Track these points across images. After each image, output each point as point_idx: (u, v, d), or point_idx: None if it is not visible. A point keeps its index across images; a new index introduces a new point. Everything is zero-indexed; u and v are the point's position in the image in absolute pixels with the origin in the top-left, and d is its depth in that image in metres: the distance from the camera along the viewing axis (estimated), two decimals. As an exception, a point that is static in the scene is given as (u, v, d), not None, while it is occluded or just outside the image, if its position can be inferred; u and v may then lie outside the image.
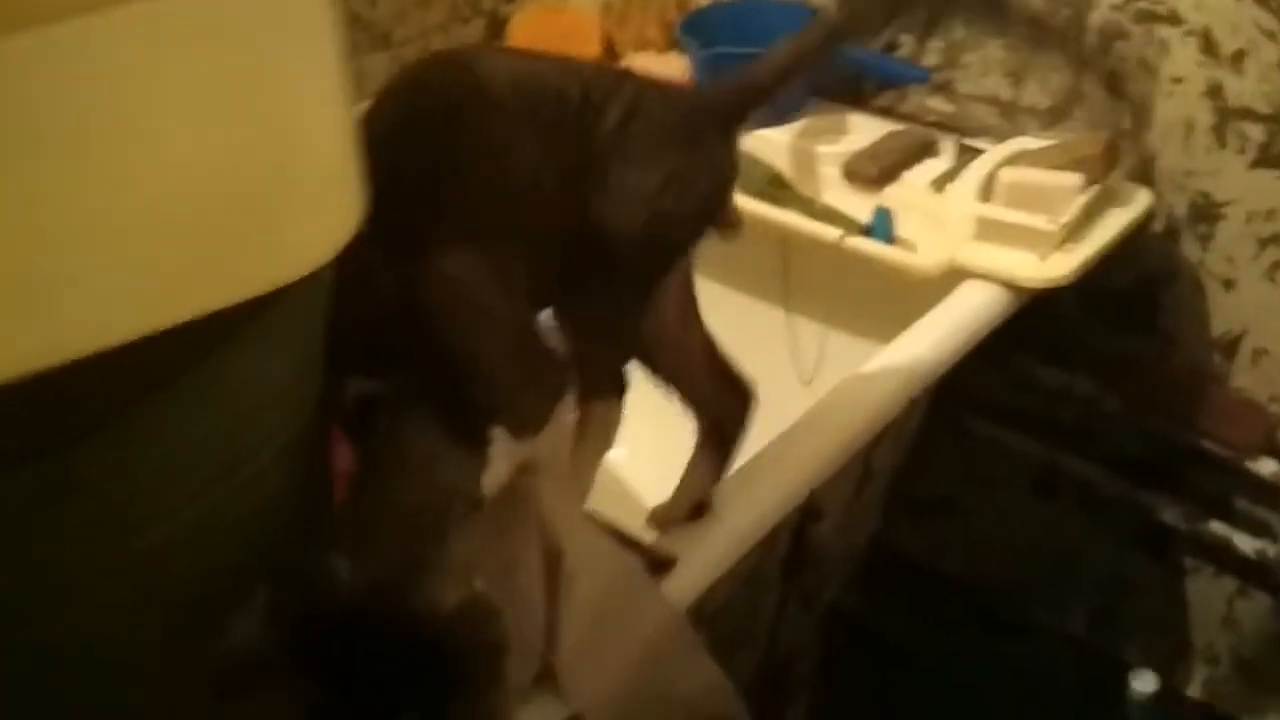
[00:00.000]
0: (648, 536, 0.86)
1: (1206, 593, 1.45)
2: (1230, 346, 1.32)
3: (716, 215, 0.85)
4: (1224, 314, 1.31)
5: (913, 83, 1.41)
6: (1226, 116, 1.22)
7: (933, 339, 1.09)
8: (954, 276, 1.16)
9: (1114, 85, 1.28)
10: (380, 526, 0.64)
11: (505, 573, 0.73)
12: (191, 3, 0.50)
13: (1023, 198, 1.18)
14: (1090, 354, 1.40)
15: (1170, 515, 1.40)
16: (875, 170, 1.30)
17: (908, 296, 1.16)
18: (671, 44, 1.48)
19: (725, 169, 0.86)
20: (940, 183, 1.28)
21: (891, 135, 1.35)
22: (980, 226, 1.18)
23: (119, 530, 0.57)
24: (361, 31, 1.36)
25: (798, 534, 1.07)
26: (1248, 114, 1.21)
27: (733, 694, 0.81)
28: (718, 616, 0.91)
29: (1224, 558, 1.40)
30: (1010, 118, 1.36)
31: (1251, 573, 1.40)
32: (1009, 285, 1.15)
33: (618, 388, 0.84)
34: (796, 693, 1.38)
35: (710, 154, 0.84)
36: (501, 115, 0.77)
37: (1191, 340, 1.34)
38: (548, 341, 0.76)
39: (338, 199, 0.60)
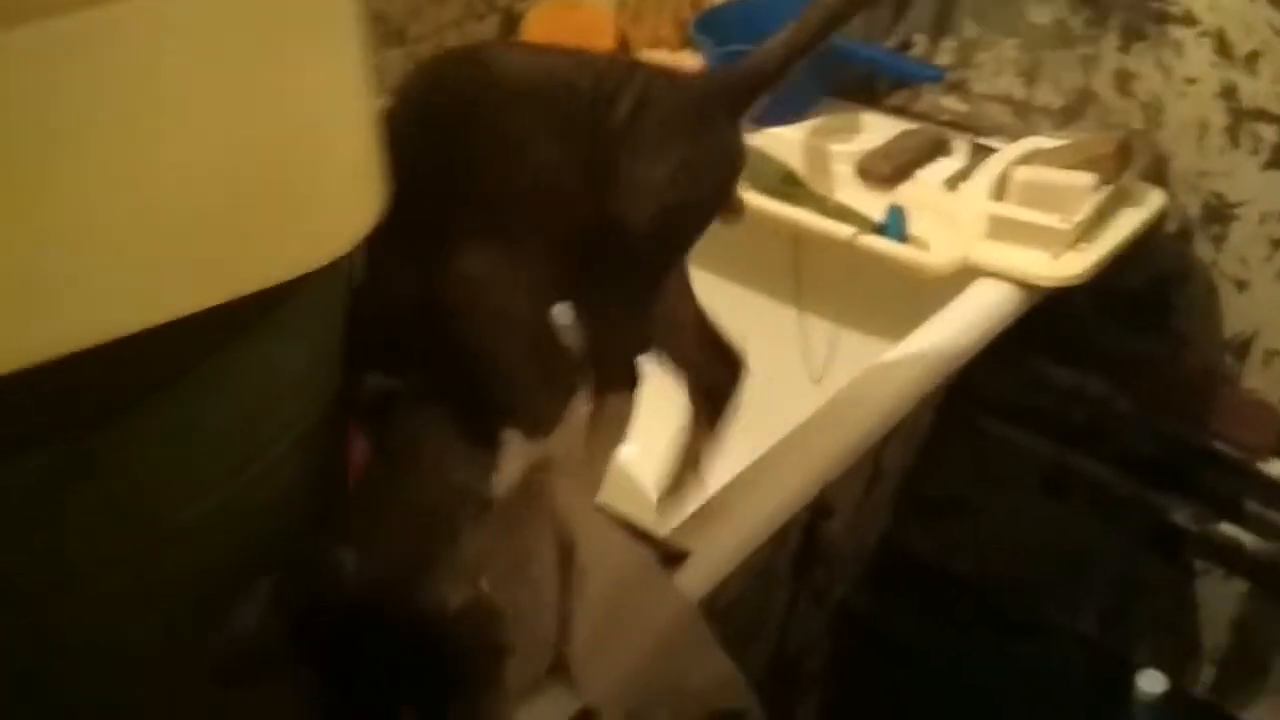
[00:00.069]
0: (660, 530, 0.86)
1: (1217, 594, 1.45)
2: (1242, 347, 1.32)
3: (725, 201, 0.85)
4: (1236, 315, 1.31)
5: (927, 81, 1.41)
6: (1240, 117, 1.22)
7: (945, 337, 1.09)
8: (966, 275, 1.16)
9: (1127, 85, 1.28)
10: (390, 523, 0.64)
11: (517, 567, 0.73)
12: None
13: (1036, 197, 1.19)
14: (1102, 354, 1.40)
15: (1181, 516, 1.40)
16: (888, 169, 1.30)
17: (919, 295, 1.16)
18: (685, 41, 1.48)
19: (734, 155, 0.86)
20: (953, 181, 1.28)
21: (905, 134, 1.36)
22: (993, 225, 1.18)
23: (133, 518, 0.57)
24: (376, 27, 1.37)
25: (808, 531, 1.07)
26: (1262, 115, 1.21)
27: (745, 687, 0.81)
28: (728, 612, 0.91)
29: (1235, 559, 1.40)
30: (1023, 117, 1.36)
31: (1262, 574, 1.39)
32: (1021, 284, 1.15)
33: (631, 381, 0.84)
34: (806, 689, 1.38)
35: (720, 140, 0.85)
36: (517, 111, 0.77)
37: (1204, 341, 1.33)
38: (562, 338, 0.76)
39: (359, 189, 0.61)
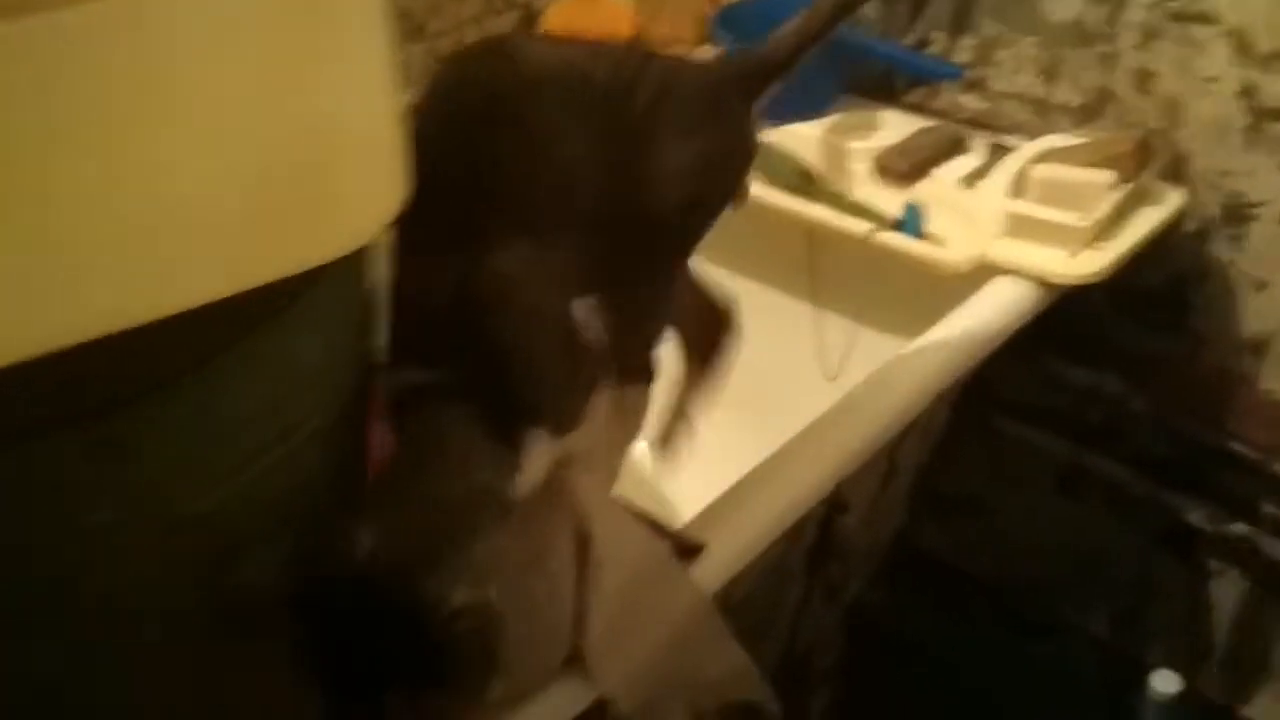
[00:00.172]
0: (676, 523, 0.86)
1: (1231, 595, 1.44)
2: (1261, 348, 1.31)
3: (740, 188, 0.86)
4: (1255, 315, 1.30)
5: (947, 79, 1.41)
6: (1260, 117, 1.21)
7: (961, 334, 1.09)
8: (983, 272, 1.16)
9: (1146, 84, 1.28)
10: (409, 514, 0.64)
11: (534, 559, 0.73)
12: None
13: (1054, 194, 1.18)
14: (1119, 353, 1.40)
15: (1196, 517, 1.40)
16: (906, 166, 1.30)
17: (935, 293, 1.16)
18: (704, 37, 1.48)
19: (750, 142, 0.87)
20: (971, 179, 1.28)
21: (922, 131, 1.36)
22: (1011, 222, 1.18)
23: (150, 506, 0.57)
24: (397, 22, 1.37)
25: (824, 526, 1.07)
26: (1282, 114, 1.21)
27: (759, 679, 0.81)
28: (742, 607, 0.92)
29: (1250, 560, 1.40)
30: (1042, 115, 1.36)
31: (1277, 576, 1.39)
32: (1039, 282, 1.15)
33: (648, 374, 0.85)
34: (817, 686, 1.38)
35: (737, 128, 0.86)
36: (541, 106, 0.77)
37: (1221, 341, 1.33)
38: (585, 333, 0.76)
39: (381, 180, 0.61)
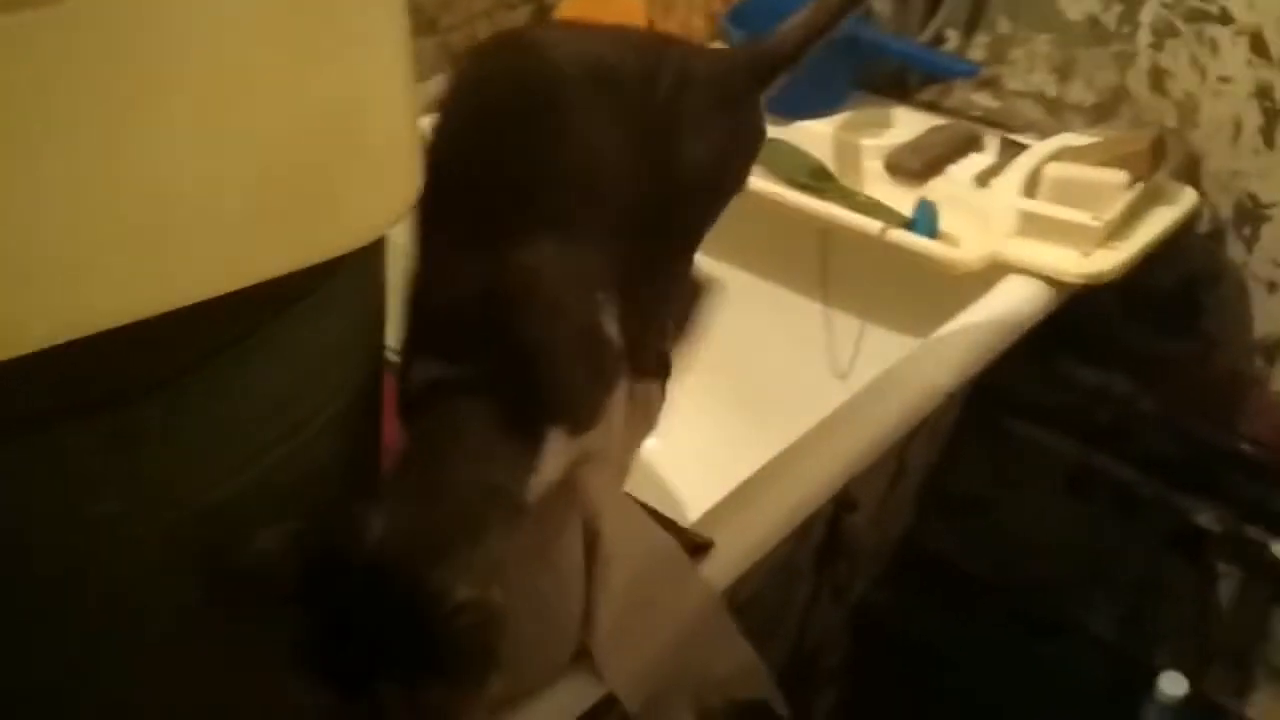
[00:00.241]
0: (685, 520, 0.86)
1: (1240, 598, 1.44)
2: (1272, 350, 1.31)
3: (745, 179, 0.86)
4: (1266, 317, 1.30)
5: (962, 76, 1.40)
6: (1275, 118, 1.21)
7: (973, 333, 1.09)
8: (995, 271, 1.16)
9: (1161, 83, 1.27)
10: (421, 505, 0.64)
11: (543, 554, 0.73)
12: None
13: (1068, 193, 1.18)
14: (1130, 354, 1.40)
15: (1205, 519, 1.39)
16: (918, 164, 1.29)
17: (946, 291, 1.16)
18: (715, 33, 1.48)
19: (757, 133, 0.88)
20: (984, 177, 1.27)
21: (935, 129, 1.35)
22: (1023, 221, 1.18)
23: (168, 494, 0.57)
24: (409, 15, 1.37)
25: (832, 524, 1.07)
26: (1297, 116, 1.20)
27: (767, 677, 0.81)
28: (749, 606, 0.91)
29: (1258, 563, 1.39)
30: (1056, 114, 1.35)
31: (1286, 579, 1.39)
32: (1051, 281, 1.14)
33: (664, 370, 0.84)
34: (823, 686, 1.38)
35: (749, 119, 0.86)
36: (574, 100, 0.77)
37: (1233, 342, 1.33)
38: (608, 331, 0.75)
39: (399, 170, 0.61)
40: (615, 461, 0.81)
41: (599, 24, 0.89)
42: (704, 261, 0.90)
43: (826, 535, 1.08)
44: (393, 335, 0.73)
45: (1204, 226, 1.28)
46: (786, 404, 1.16)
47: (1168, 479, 1.41)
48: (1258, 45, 1.19)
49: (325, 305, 0.61)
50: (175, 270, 0.52)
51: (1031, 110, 1.37)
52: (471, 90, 0.79)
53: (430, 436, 0.68)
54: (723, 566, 0.84)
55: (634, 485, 0.85)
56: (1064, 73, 1.34)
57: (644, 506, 0.82)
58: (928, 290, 1.20)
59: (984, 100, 1.40)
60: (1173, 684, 1.32)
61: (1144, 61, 1.27)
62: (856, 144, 1.35)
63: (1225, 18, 1.20)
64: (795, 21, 0.89)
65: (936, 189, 1.27)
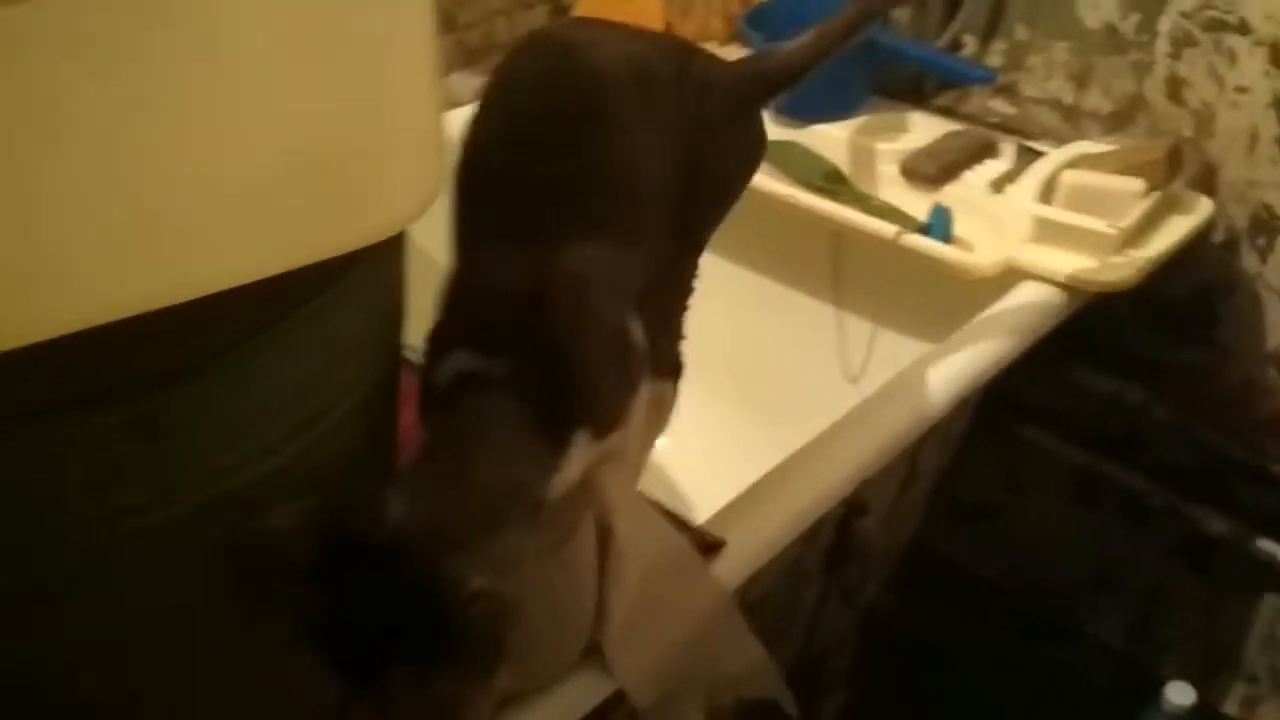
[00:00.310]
0: (696, 519, 0.87)
1: (1248, 609, 1.44)
2: (1286, 361, 1.31)
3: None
4: (1280, 327, 1.30)
5: (979, 83, 1.40)
6: (1292, 129, 1.21)
7: (986, 339, 1.09)
8: (1010, 277, 1.16)
9: (1178, 93, 1.27)
10: (442, 493, 0.64)
11: (557, 551, 0.74)
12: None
13: (1084, 201, 1.18)
14: (1143, 363, 1.40)
15: (1215, 529, 1.39)
16: (934, 169, 1.29)
17: (959, 297, 1.16)
18: (733, 35, 1.48)
19: (762, 143, 0.89)
20: (999, 183, 1.27)
21: (951, 135, 1.35)
22: (1039, 228, 1.18)
23: (191, 482, 0.58)
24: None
25: (842, 527, 1.07)
26: (1314, 127, 1.20)
27: (777, 676, 0.81)
28: (759, 607, 0.92)
29: (1268, 575, 1.39)
30: (1072, 122, 1.35)
31: (1296, 590, 1.39)
32: (1065, 288, 1.14)
33: (676, 369, 0.85)
34: (831, 688, 1.38)
35: (758, 129, 0.87)
36: (618, 102, 0.77)
37: (1247, 353, 1.32)
38: (635, 336, 0.76)
39: (423, 163, 0.61)
40: (630, 460, 0.81)
41: (626, 24, 0.89)
42: (717, 263, 0.91)
43: (836, 538, 1.08)
44: (412, 333, 0.73)
45: (1219, 236, 1.28)
46: (798, 406, 1.17)
47: (1178, 488, 1.41)
48: (1276, 56, 1.19)
49: (344, 299, 0.62)
50: (198, 260, 0.52)
51: (1048, 117, 1.37)
52: (514, 89, 0.79)
53: (456, 428, 0.68)
54: (734, 566, 0.84)
55: (644, 484, 0.85)
56: (1081, 80, 1.34)
57: (657, 505, 0.82)
58: (941, 295, 1.20)
59: (1001, 106, 1.41)
60: (1180, 694, 1.32)
61: (1161, 70, 1.27)
62: (872, 148, 1.35)
63: (1244, 28, 1.20)
64: (807, 37, 0.89)
65: (951, 194, 1.27)
